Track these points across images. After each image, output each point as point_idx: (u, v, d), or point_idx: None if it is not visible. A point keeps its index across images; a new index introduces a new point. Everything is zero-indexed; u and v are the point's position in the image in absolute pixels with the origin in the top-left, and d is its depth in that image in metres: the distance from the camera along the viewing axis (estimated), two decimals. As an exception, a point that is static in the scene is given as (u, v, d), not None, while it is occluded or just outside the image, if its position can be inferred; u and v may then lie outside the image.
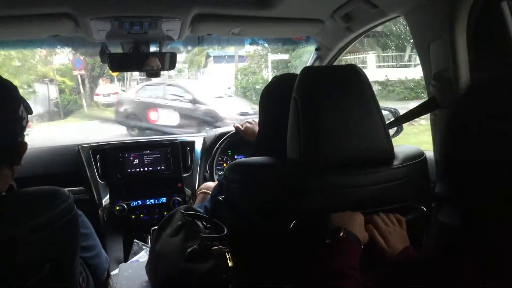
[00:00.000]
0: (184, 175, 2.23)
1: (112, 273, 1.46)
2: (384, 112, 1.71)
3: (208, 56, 26.36)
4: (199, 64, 27.64)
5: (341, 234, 0.94)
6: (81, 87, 17.43)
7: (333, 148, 1.01)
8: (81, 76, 17.36)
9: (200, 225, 1.21)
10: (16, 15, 1.38)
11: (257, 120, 1.83)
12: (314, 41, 1.93)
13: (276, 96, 1.27)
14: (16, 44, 2.26)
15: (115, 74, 21.25)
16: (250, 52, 16.75)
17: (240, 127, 1.86)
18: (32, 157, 2.10)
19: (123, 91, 22.77)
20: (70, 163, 2.14)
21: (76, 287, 0.99)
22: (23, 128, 0.96)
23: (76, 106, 17.26)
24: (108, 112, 16.52)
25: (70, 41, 1.97)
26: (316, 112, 1.01)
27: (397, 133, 1.73)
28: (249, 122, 1.85)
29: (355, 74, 1.06)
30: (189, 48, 2.05)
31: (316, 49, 1.95)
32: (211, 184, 1.75)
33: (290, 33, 1.93)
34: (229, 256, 1.07)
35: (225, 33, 1.74)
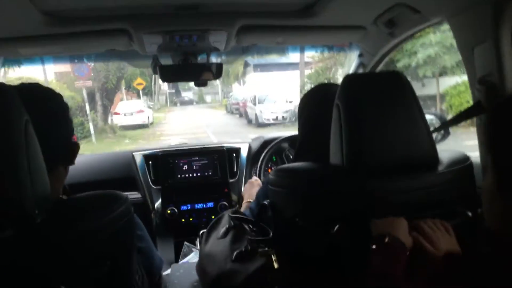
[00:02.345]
0: (231, 180, 2.30)
1: (164, 273, 1.54)
2: (430, 117, 1.70)
3: (246, 65, 23.54)
4: (236, 75, 26.16)
5: (386, 240, 0.96)
6: (87, 105, 12.39)
7: (376, 154, 1.03)
8: (88, 89, 12.85)
9: (247, 228, 1.27)
10: (78, 31, 1.51)
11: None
12: (356, 47, 1.94)
13: (314, 104, 1.32)
14: (78, 58, 2.43)
15: (140, 87, 18.88)
16: (319, 55, 14.36)
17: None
18: (88, 164, 2.26)
19: (150, 107, 19.67)
20: (124, 169, 2.28)
21: (134, 284, 1.06)
22: (73, 130, 1.07)
23: (83, 132, 12.17)
24: (128, 142, 12.80)
25: (124, 54, 2.10)
26: (358, 119, 1.04)
27: (443, 138, 1.71)
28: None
29: (397, 80, 1.08)
30: (223, 58, 2.09)
31: (359, 56, 1.96)
32: (254, 192, 1.80)
33: (333, 40, 1.96)
34: (275, 258, 1.11)
35: (270, 42, 1.80)
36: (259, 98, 16.34)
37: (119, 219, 0.96)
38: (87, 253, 0.90)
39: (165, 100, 30.79)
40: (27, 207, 0.80)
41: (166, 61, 1.90)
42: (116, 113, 15.91)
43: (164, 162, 2.25)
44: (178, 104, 29.88)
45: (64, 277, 0.84)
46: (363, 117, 1.04)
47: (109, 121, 15.25)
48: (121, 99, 17.24)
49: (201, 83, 1.94)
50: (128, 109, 16.10)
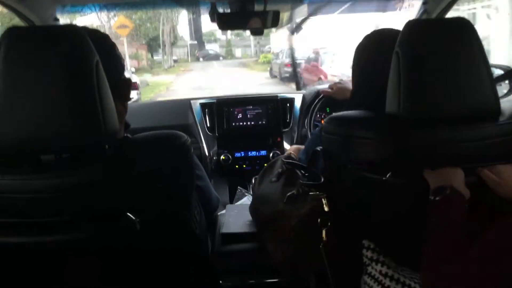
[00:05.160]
0: (284, 130, 2.34)
1: (219, 213, 1.64)
2: (498, 71, 1.61)
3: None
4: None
5: (448, 191, 0.97)
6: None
7: (435, 102, 1.01)
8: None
9: (299, 173, 1.31)
10: None
11: (346, 79, 1.85)
12: (421, -7, 1.84)
13: (372, 50, 1.29)
14: (135, 6, 2.48)
15: (123, 32, 13.18)
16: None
17: (329, 90, 1.89)
18: (147, 110, 2.36)
19: (133, 72, 12.89)
20: (181, 116, 2.37)
21: (193, 217, 1.15)
22: (123, 66, 1.10)
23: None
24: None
25: (182, 1, 2.13)
26: (418, 67, 1.01)
27: (510, 91, 1.63)
28: (339, 83, 1.88)
29: (464, 27, 1.03)
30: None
31: (423, 3, 1.86)
32: (300, 147, 1.83)
33: None
34: (325, 201, 1.15)
35: None
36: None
37: (179, 157, 1.01)
38: (150, 187, 0.96)
39: (186, 54, 25.52)
40: (99, 142, 0.87)
41: (222, 9, 1.91)
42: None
43: (219, 110, 2.31)
44: (201, 59, 24.44)
45: (129, 207, 0.91)
46: (423, 66, 1.01)
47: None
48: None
49: (257, 31, 1.94)
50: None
